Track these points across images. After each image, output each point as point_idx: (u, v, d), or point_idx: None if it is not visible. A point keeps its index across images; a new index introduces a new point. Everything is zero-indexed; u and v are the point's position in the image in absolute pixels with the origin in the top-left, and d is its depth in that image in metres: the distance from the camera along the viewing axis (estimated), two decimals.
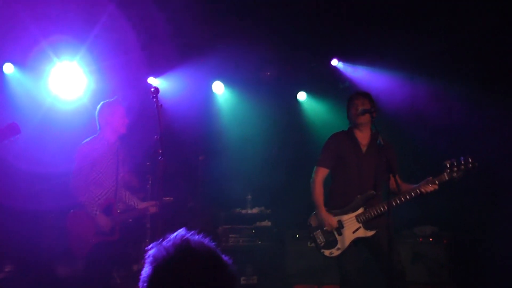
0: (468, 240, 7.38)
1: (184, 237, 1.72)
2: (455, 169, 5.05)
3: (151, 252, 1.72)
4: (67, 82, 7.10)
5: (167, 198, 5.86)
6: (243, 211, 8.36)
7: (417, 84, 7.97)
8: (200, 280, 1.63)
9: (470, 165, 5.05)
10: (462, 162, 5.05)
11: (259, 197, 8.49)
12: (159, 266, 1.66)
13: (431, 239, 7.38)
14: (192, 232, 1.76)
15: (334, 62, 8.50)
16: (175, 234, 1.75)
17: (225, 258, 1.74)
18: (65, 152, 5.87)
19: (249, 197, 8.42)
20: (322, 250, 5.23)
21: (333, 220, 5.19)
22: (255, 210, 8.36)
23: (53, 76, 7.10)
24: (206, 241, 1.75)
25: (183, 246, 1.69)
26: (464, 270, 7.19)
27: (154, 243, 1.74)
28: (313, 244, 5.35)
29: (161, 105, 4.63)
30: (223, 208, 8.39)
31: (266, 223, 8.15)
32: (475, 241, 7.32)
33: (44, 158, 6.70)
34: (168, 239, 1.73)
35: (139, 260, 6.62)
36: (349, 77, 8.49)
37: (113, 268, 5.72)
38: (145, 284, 1.67)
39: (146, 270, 1.69)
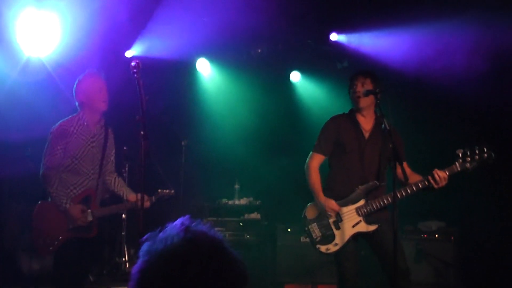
0: (477, 237, 7.35)
1: (184, 227, 1.58)
2: (468, 159, 4.93)
3: (145, 244, 1.58)
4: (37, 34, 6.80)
5: (167, 191, 5.60)
6: (230, 202, 8.35)
7: (432, 53, 7.52)
8: (202, 278, 1.49)
9: (486, 154, 4.93)
10: (476, 152, 4.93)
11: (247, 187, 8.46)
12: (153, 260, 1.52)
13: (437, 236, 7.38)
14: (196, 221, 1.63)
15: (334, 36, 8.39)
16: (175, 223, 1.62)
17: (233, 252, 1.61)
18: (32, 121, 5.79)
19: (237, 186, 8.41)
20: (318, 246, 5.15)
21: (334, 204, 5.09)
22: (243, 201, 8.36)
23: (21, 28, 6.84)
24: (212, 231, 1.62)
25: (183, 237, 1.55)
26: (473, 270, 7.18)
27: (149, 233, 1.61)
28: (307, 239, 5.29)
29: (142, 82, 4.42)
30: (208, 199, 8.36)
31: (255, 215, 8.16)
32: (485, 238, 7.30)
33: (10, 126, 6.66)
34: (166, 229, 1.60)
35: (115, 256, 6.53)
36: (352, 52, 8.27)
37: (87, 266, 5.54)
38: (135, 282, 1.53)
39: (137, 265, 1.56)
